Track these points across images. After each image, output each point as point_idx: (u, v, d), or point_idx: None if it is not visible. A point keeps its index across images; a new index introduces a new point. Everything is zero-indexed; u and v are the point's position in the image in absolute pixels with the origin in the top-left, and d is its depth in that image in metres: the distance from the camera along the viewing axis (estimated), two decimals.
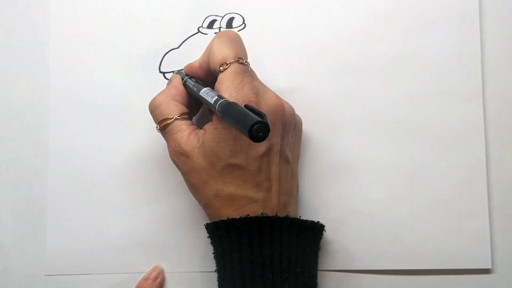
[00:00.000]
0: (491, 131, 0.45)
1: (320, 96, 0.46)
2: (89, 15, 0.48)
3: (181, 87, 0.42)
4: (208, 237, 0.42)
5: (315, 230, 0.42)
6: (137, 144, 0.47)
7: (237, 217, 0.38)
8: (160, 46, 0.47)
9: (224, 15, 0.47)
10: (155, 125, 0.41)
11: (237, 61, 0.39)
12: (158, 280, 0.45)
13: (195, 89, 0.40)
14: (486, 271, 0.45)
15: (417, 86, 0.46)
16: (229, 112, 0.34)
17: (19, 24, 0.48)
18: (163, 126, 0.40)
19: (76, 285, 0.46)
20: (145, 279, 0.45)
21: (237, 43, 0.40)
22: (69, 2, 0.48)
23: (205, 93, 0.39)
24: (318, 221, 0.42)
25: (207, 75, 0.42)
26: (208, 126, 0.39)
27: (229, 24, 0.47)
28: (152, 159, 0.47)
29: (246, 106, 0.35)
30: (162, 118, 0.40)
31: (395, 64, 0.46)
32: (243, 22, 0.47)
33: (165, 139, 0.41)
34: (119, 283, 0.46)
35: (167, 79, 0.47)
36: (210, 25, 0.47)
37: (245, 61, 0.39)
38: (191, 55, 0.47)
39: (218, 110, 0.36)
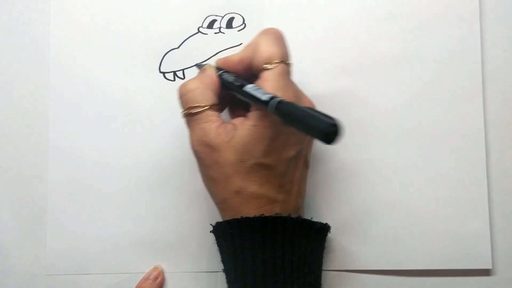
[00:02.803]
0: (491, 131, 0.45)
1: (320, 96, 0.46)
2: (89, 15, 0.48)
3: (216, 78, 0.40)
4: (217, 234, 0.41)
5: (323, 231, 0.42)
6: (137, 144, 0.47)
7: (253, 216, 0.38)
8: (160, 46, 0.47)
9: (224, 15, 0.47)
10: (182, 109, 0.40)
11: (283, 61, 0.38)
12: (158, 280, 0.45)
13: (237, 84, 0.39)
14: (486, 272, 0.45)
15: (417, 86, 0.46)
16: (296, 112, 0.33)
17: (19, 24, 0.48)
18: (193, 113, 0.39)
19: (76, 285, 0.46)
20: (145, 279, 0.45)
21: (283, 42, 0.40)
22: (69, 2, 0.48)
23: (254, 89, 0.37)
24: (326, 223, 0.42)
25: (245, 71, 0.40)
26: (242, 122, 0.38)
27: (229, 24, 0.47)
28: (152, 159, 0.47)
29: (310, 109, 0.34)
30: (193, 104, 0.39)
31: (395, 64, 0.46)
32: (243, 22, 0.47)
33: (189, 126, 0.40)
34: (119, 283, 0.46)
35: (167, 79, 0.47)
36: (210, 25, 0.47)
37: (289, 62, 0.39)
38: (191, 55, 0.47)
39: (274, 108, 0.35)
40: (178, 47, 0.47)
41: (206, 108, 0.39)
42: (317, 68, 0.46)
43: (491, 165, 0.45)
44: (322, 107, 0.46)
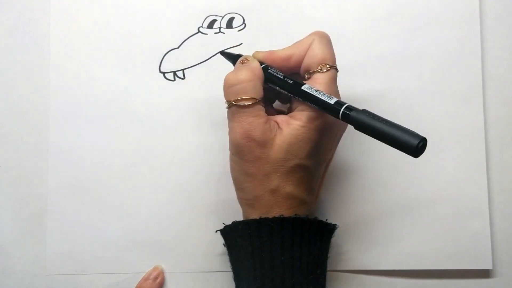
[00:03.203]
0: (491, 131, 0.45)
1: None
2: (89, 15, 0.48)
3: (262, 72, 0.39)
4: (234, 234, 0.40)
5: (332, 232, 0.42)
6: (137, 144, 0.47)
7: (287, 215, 0.38)
8: (160, 46, 0.47)
9: (224, 15, 0.47)
10: (230, 98, 0.38)
11: (333, 67, 0.38)
12: (158, 280, 0.45)
13: (290, 81, 0.38)
14: (486, 272, 0.45)
15: (417, 86, 0.46)
16: (376, 123, 0.33)
17: (19, 24, 0.48)
18: (242, 105, 0.37)
19: (76, 285, 0.46)
20: (145, 279, 0.45)
21: (332, 47, 0.39)
22: (69, 2, 0.48)
23: (314, 90, 0.37)
24: (336, 223, 0.42)
25: (290, 68, 0.40)
26: (288, 120, 0.38)
27: (229, 24, 0.47)
28: (152, 159, 0.47)
29: (388, 120, 0.34)
30: (244, 96, 0.37)
31: (395, 64, 0.46)
32: (243, 22, 0.47)
33: (234, 118, 0.38)
34: (119, 283, 0.46)
35: (167, 79, 0.47)
36: (210, 25, 0.47)
37: (338, 69, 0.39)
38: (191, 55, 0.47)
39: (341, 114, 0.35)
40: (178, 47, 0.47)
41: (257, 101, 0.37)
42: None
43: (491, 165, 0.45)
44: None
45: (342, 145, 0.46)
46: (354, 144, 0.46)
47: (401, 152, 0.32)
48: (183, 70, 0.47)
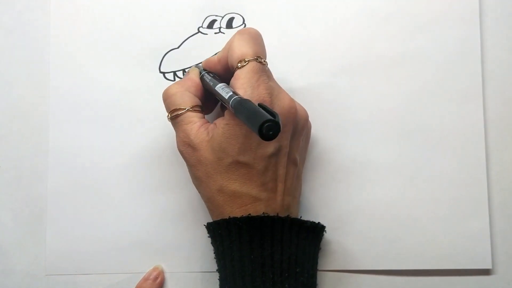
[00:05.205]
0: (491, 131, 0.45)
1: (320, 97, 0.46)
2: (89, 15, 0.48)
3: (197, 80, 0.42)
4: (208, 236, 0.42)
5: (316, 231, 0.42)
6: (137, 144, 0.47)
7: (240, 215, 0.38)
8: (160, 46, 0.47)
9: (224, 15, 0.47)
10: (167, 114, 0.41)
11: (256, 60, 0.39)
12: (158, 280, 0.45)
13: (211, 83, 0.40)
14: (486, 272, 0.45)
15: (417, 86, 0.46)
16: (242, 109, 0.34)
17: (19, 24, 0.48)
18: (174, 116, 0.40)
19: (76, 285, 0.46)
20: (145, 279, 0.45)
21: (258, 41, 0.40)
22: (69, 2, 0.48)
23: (221, 88, 0.39)
24: (318, 222, 0.42)
25: (225, 71, 0.41)
26: (219, 121, 0.39)
27: (229, 24, 0.47)
28: (151, 159, 0.47)
29: (260, 105, 0.34)
30: (174, 107, 0.40)
31: (395, 64, 0.46)
32: (243, 22, 0.47)
33: (174, 129, 0.41)
34: (119, 283, 0.46)
35: (167, 79, 0.47)
36: (210, 25, 0.47)
37: (264, 60, 0.39)
38: (191, 55, 0.47)
39: (231, 106, 0.36)
40: (178, 47, 0.47)
41: (186, 110, 0.40)
42: (317, 68, 0.46)
43: (491, 165, 0.45)
44: (322, 107, 0.46)
45: (342, 145, 0.46)
46: (353, 143, 0.46)
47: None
48: (183, 70, 0.47)
